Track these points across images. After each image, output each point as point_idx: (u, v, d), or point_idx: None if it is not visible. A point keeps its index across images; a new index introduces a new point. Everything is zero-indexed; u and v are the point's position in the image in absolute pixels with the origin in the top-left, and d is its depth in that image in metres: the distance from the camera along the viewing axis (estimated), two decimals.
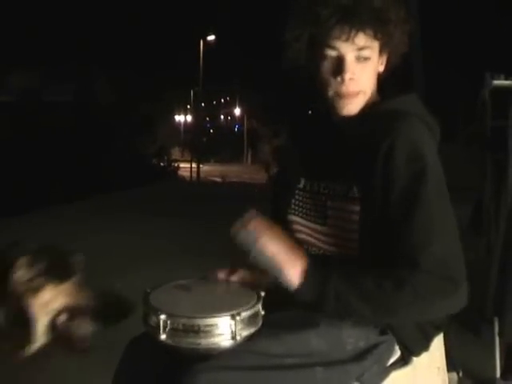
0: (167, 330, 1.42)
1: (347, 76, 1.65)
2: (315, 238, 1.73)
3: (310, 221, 1.75)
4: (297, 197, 1.80)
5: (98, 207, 10.54)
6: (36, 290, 1.50)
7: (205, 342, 1.42)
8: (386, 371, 1.67)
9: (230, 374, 1.44)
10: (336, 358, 1.57)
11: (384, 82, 1.76)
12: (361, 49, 1.65)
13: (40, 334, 1.49)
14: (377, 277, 1.50)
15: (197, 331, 1.41)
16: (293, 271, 1.54)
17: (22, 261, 1.50)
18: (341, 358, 1.58)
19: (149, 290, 1.57)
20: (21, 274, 1.49)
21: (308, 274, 1.53)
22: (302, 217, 1.78)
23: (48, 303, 1.51)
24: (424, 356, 1.71)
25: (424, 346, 1.70)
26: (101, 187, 13.83)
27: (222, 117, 57.06)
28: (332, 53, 1.66)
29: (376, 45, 1.67)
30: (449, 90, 22.02)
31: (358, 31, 1.62)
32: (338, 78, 1.66)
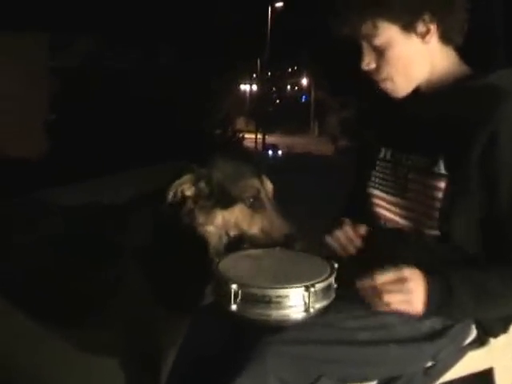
0: (238, 300, 1.43)
1: (363, 65, 1.66)
2: (392, 212, 1.72)
3: (388, 193, 1.74)
4: (377, 168, 1.79)
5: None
6: (206, 211, 1.80)
7: (276, 313, 1.42)
8: (462, 351, 1.66)
9: (301, 347, 1.46)
10: (411, 335, 1.56)
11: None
12: (370, 37, 1.62)
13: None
14: (499, 276, 1.51)
15: (268, 302, 1.41)
16: (417, 304, 1.51)
17: (188, 176, 1.81)
18: (415, 336, 1.57)
19: (218, 260, 1.59)
20: (186, 187, 1.81)
21: (432, 296, 1.51)
22: (381, 190, 1.77)
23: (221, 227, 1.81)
24: (502, 337, 1.68)
25: (502, 327, 1.67)
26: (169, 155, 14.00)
27: (288, 87, 56.70)
28: (357, 40, 1.66)
29: (395, 28, 1.61)
30: None
31: (358, 20, 1.60)
32: (362, 68, 1.67)
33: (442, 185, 1.58)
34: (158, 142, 16.01)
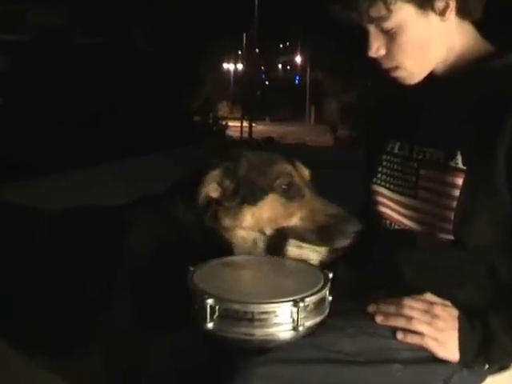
0: (215, 317, 1.42)
1: (371, 52, 1.66)
2: (401, 214, 1.73)
3: (396, 192, 1.75)
4: (384, 163, 1.80)
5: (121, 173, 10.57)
6: (233, 212, 1.75)
7: (260, 332, 1.42)
8: (480, 376, 1.66)
9: (291, 367, 1.45)
10: (419, 355, 1.57)
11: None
12: (380, 20, 1.62)
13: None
14: None
15: (251, 319, 1.41)
16: (448, 347, 1.56)
17: (212, 175, 1.75)
18: (424, 355, 1.58)
19: (192, 268, 1.58)
20: (211, 188, 1.76)
21: (470, 345, 1.55)
22: (387, 187, 1.78)
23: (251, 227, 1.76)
24: None
25: None
26: (130, 148, 13.91)
27: (279, 66, 56.69)
28: (361, 27, 1.66)
29: (409, 7, 1.62)
30: None
31: (366, 2, 1.60)
32: (369, 55, 1.68)
33: (460, 181, 1.59)
34: (127, 130, 15.96)
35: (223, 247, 1.76)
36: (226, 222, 1.76)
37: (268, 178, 1.76)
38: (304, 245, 1.72)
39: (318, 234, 1.71)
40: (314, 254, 1.72)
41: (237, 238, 1.78)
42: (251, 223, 1.76)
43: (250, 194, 1.75)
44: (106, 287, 1.78)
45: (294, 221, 1.75)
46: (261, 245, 1.79)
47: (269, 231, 1.76)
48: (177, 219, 1.78)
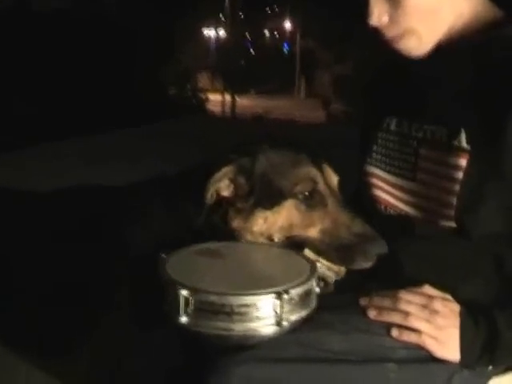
0: (189, 310, 1.42)
1: (372, 20, 1.65)
2: (397, 198, 1.73)
3: (393, 174, 1.75)
4: (379, 141, 1.80)
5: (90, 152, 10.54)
6: (244, 214, 1.71)
7: (239, 327, 1.42)
8: (484, 377, 1.67)
9: (273, 367, 1.45)
10: (415, 355, 1.57)
11: None
12: None
13: None
14: None
15: (229, 313, 1.41)
16: (449, 346, 1.56)
17: (225, 171, 1.71)
18: (421, 355, 1.58)
19: (164, 256, 1.57)
20: (223, 185, 1.73)
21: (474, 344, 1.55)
22: (383, 169, 1.78)
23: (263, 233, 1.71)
24: None
25: None
26: (99, 124, 13.85)
27: (266, 33, 56.60)
28: None
29: None
30: None
31: None
32: (370, 24, 1.66)
33: (463, 162, 1.59)
34: (97, 103, 15.95)
35: None
36: (235, 223, 1.74)
37: (288, 182, 1.71)
38: (322, 260, 1.67)
39: (338, 251, 1.67)
40: (330, 272, 1.68)
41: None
42: (262, 229, 1.72)
43: (266, 197, 1.71)
44: (105, 282, 1.77)
45: (313, 232, 1.71)
46: None
47: (277, 238, 1.73)
48: (187, 214, 1.75)
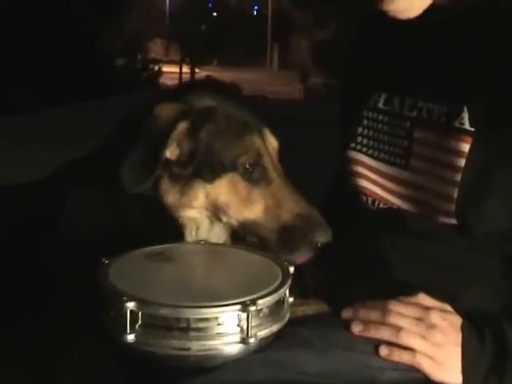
0: (137, 326, 1.42)
1: None
2: (387, 190, 1.74)
3: (381, 161, 1.77)
4: (365, 122, 1.81)
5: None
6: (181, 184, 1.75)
7: (198, 346, 1.42)
8: None
9: None
10: (408, 377, 1.58)
11: None
12: None
13: None
14: None
15: (185, 329, 1.41)
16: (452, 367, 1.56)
17: (182, 128, 1.74)
18: (415, 377, 1.58)
19: (106, 261, 1.57)
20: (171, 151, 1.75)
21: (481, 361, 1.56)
22: (370, 155, 1.79)
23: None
24: None
25: None
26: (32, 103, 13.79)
27: None
28: None
29: None
30: None
31: None
32: None
33: (466, 147, 1.61)
34: (29, 79, 15.92)
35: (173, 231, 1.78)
36: (171, 196, 1.77)
37: (233, 152, 1.76)
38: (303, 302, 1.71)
39: (279, 235, 1.72)
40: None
41: (186, 220, 1.79)
42: (205, 204, 1.77)
43: (207, 167, 1.76)
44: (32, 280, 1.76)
45: (254, 212, 1.76)
46: (221, 232, 1.82)
47: (225, 219, 1.78)
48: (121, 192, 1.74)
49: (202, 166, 1.75)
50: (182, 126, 1.74)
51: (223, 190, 1.75)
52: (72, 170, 1.88)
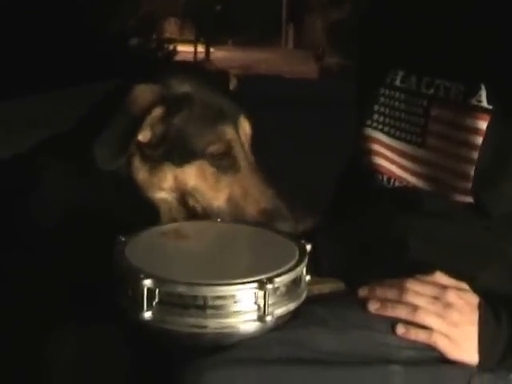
0: (154, 303, 1.42)
1: None
2: (403, 168, 1.74)
3: (398, 138, 1.76)
4: (381, 99, 1.81)
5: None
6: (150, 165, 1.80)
7: (215, 323, 1.42)
8: (510, 381, 1.68)
9: (255, 370, 1.45)
10: (425, 355, 1.58)
11: None
12: None
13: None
14: None
15: (202, 307, 1.41)
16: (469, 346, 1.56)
17: (155, 114, 1.78)
18: (432, 356, 1.59)
19: (123, 239, 1.57)
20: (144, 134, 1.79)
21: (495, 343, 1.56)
22: (386, 132, 1.79)
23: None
24: None
25: None
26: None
27: None
28: None
29: None
30: None
31: None
32: None
33: (483, 125, 1.60)
34: (45, 56, 15.85)
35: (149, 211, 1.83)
36: (141, 175, 1.82)
37: (203, 140, 1.81)
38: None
39: None
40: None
41: (158, 201, 1.83)
42: (171, 187, 1.82)
43: (178, 152, 1.81)
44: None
45: (219, 200, 1.81)
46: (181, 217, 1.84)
47: (191, 203, 1.83)
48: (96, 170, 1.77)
49: (173, 150, 1.80)
50: (157, 111, 1.78)
51: (191, 174, 1.80)
52: (47, 147, 1.92)
